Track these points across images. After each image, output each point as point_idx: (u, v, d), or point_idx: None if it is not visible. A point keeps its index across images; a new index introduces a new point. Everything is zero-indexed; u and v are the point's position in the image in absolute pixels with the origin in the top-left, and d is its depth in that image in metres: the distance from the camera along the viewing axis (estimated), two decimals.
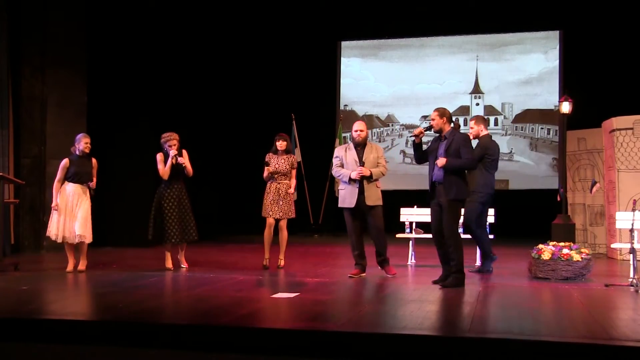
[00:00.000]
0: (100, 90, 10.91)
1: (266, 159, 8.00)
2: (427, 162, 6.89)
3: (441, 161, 6.56)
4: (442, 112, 6.79)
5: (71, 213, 7.66)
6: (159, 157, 7.88)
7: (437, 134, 6.84)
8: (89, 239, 7.71)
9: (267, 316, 5.34)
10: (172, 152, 7.79)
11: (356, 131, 7.30)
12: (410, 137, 7.04)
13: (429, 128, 6.87)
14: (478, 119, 7.98)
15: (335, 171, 7.42)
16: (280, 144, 8.01)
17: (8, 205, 8.83)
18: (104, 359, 4.49)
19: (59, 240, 7.70)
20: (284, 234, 8.05)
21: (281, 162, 7.97)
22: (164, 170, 7.81)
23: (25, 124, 10.25)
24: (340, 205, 7.32)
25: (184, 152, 7.90)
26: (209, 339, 4.51)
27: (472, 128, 7.88)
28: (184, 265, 7.98)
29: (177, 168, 7.81)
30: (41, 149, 10.22)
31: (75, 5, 10.65)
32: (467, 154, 6.62)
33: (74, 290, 6.74)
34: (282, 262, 8.06)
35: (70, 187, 7.71)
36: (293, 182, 8.07)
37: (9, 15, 10.03)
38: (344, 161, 7.32)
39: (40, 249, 10.08)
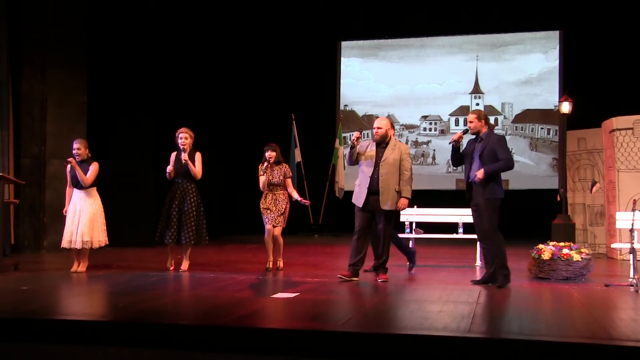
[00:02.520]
0: (100, 90, 10.91)
1: (260, 172, 7.79)
2: (460, 165, 7.00)
3: (480, 173, 6.57)
4: (480, 115, 6.80)
5: (74, 219, 7.59)
6: (173, 155, 7.78)
7: (474, 136, 6.85)
8: (95, 244, 7.62)
9: (267, 316, 5.34)
10: (182, 148, 7.63)
11: (374, 128, 7.06)
12: (450, 143, 6.92)
13: (466, 131, 6.84)
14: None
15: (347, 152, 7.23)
16: (269, 155, 7.74)
17: (8, 205, 8.82)
18: (104, 359, 4.49)
19: (67, 247, 7.63)
20: (279, 242, 7.87)
21: (274, 174, 7.78)
22: (168, 169, 7.72)
23: (25, 124, 10.24)
24: (353, 201, 7.07)
25: (198, 154, 7.73)
26: (209, 339, 4.50)
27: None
28: (182, 268, 7.73)
29: (183, 167, 7.65)
30: (41, 149, 10.22)
31: (75, 5, 10.65)
32: (502, 153, 6.63)
33: (74, 290, 6.73)
34: (281, 264, 8.01)
35: (74, 193, 7.69)
36: (292, 192, 7.84)
37: (9, 15, 10.03)
38: (362, 153, 7.01)
39: (40, 249, 10.08)
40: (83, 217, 7.57)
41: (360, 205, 6.95)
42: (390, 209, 6.89)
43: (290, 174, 7.91)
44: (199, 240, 7.76)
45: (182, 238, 7.67)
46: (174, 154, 7.79)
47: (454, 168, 14.21)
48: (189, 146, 7.70)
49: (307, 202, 7.83)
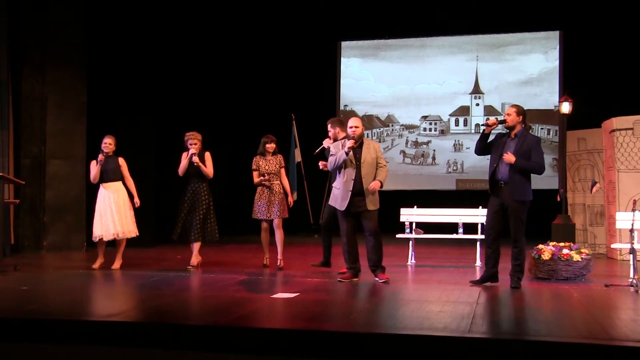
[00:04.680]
0: (100, 90, 10.91)
1: (253, 166, 8.10)
2: (483, 155, 6.87)
3: (509, 157, 6.45)
4: (520, 110, 6.69)
5: (106, 212, 7.84)
6: (183, 155, 7.96)
7: (507, 130, 6.71)
8: (126, 234, 7.92)
9: (267, 316, 5.34)
10: (191, 150, 7.83)
11: (351, 127, 6.91)
12: (482, 125, 6.76)
13: (503, 122, 6.67)
14: (334, 122, 7.83)
15: (330, 161, 7.00)
16: (270, 146, 8.10)
17: (8, 205, 8.83)
18: (105, 359, 4.49)
19: (97, 239, 7.91)
20: (280, 234, 8.04)
21: (270, 164, 8.07)
22: (180, 167, 7.91)
23: (25, 124, 10.24)
24: (331, 203, 7.11)
25: (207, 154, 7.98)
26: (209, 339, 4.50)
27: (329, 131, 7.81)
28: (190, 264, 7.89)
29: (194, 168, 7.87)
30: (41, 149, 10.21)
31: (75, 5, 10.65)
32: (537, 157, 6.55)
33: (74, 290, 6.73)
34: (281, 263, 8.07)
35: (103, 187, 7.94)
36: (286, 182, 8.13)
37: (9, 15, 10.03)
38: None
39: (40, 249, 10.07)
40: (117, 210, 7.85)
41: (344, 208, 6.89)
42: (375, 208, 6.90)
43: (284, 164, 8.22)
44: (205, 238, 7.95)
45: (195, 236, 7.86)
46: (185, 154, 7.95)
47: (454, 168, 14.23)
48: (198, 149, 7.90)
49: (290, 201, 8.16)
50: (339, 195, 6.94)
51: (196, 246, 7.95)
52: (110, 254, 8.12)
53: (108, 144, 7.98)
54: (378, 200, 6.96)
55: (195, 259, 7.95)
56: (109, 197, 7.88)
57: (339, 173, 6.97)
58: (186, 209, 7.87)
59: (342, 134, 7.63)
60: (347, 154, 6.85)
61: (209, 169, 7.93)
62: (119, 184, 7.98)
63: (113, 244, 8.15)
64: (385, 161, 7.14)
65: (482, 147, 6.79)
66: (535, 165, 6.55)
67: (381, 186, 6.87)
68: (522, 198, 6.54)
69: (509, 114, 6.67)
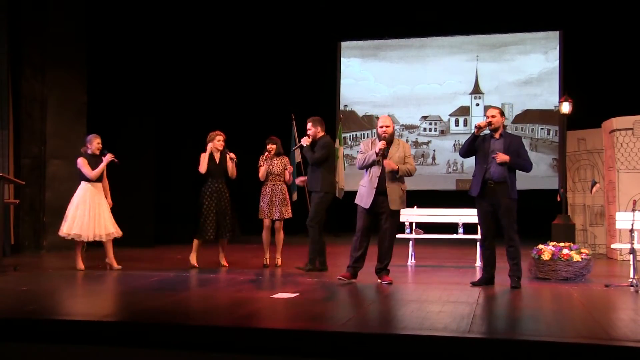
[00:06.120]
0: (100, 90, 10.91)
1: (260, 162, 8.29)
2: (468, 157, 6.95)
3: (503, 157, 6.53)
4: (502, 112, 6.82)
5: (89, 213, 7.72)
6: (202, 155, 8.15)
7: (490, 132, 6.75)
8: (117, 233, 7.85)
9: (267, 316, 5.34)
10: (230, 155, 8.14)
11: (381, 127, 6.81)
12: (475, 127, 6.76)
13: (490, 124, 6.70)
14: (315, 122, 7.91)
15: (359, 160, 6.88)
16: (270, 147, 8.27)
17: (8, 205, 8.82)
18: (104, 359, 4.49)
19: (70, 238, 7.77)
20: (280, 235, 8.32)
21: (275, 164, 8.23)
22: (201, 166, 8.08)
23: (25, 124, 10.24)
24: (357, 202, 6.91)
25: (231, 155, 8.22)
26: (209, 339, 4.50)
27: (309, 130, 7.91)
28: (224, 264, 8.18)
29: (221, 166, 8.10)
30: (41, 149, 10.21)
31: (75, 6, 10.66)
32: (526, 155, 6.71)
33: (74, 290, 6.73)
34: (279, 261, 8.31)
35: (85, 186, 7.80)
36: (289, 179, 8.37)
37: (9, 15, 10.03)
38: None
39: (40, 249, 10.07)
40: (105, 210, 7.81)
41: (368, 207, 6.79)
42: (398, 208, 6.86)
43: (290, 167, 8.43)
44: (234, 234, 8.37)
45: (225, 233, 8.11)
46: (203, 155, 8.15)
47: (454, 168, 14.23)
48: (223, 147, 8.22)
49: (302, 181, 8.44)
50: (364, 193, 6.84)
51: (224, 245, 8.25)
52: (96, 254, 8.08)
53: (101, 144, 7.94)
54: (403, 201, 6.88)
55: (223, 258, 8.21)
56: (96, 197, 7.78)
57: (366, 171, 6.90)
58: (214, 208, 8.01)
59: (321, 134, 7.87)
60: (377, 154, 6.74)
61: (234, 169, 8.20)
62: (102, 184, 7.95)
63: (92, 244, 8.10)
64: (414, 164, 7.00)
65: (471, 150, 6.83)
66: (525, 163, 6.70)
67: (397, 171, 6.72)
68: (515, 196, 6.65)
69: (494, 115, 6.74)
